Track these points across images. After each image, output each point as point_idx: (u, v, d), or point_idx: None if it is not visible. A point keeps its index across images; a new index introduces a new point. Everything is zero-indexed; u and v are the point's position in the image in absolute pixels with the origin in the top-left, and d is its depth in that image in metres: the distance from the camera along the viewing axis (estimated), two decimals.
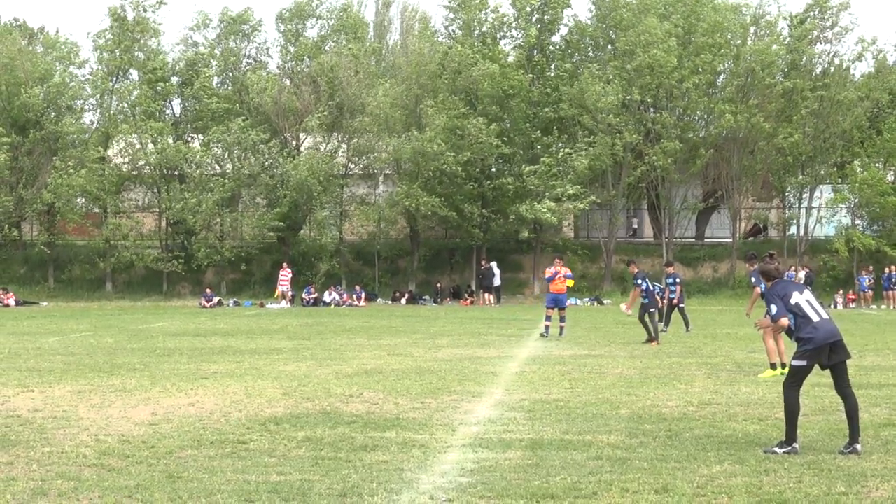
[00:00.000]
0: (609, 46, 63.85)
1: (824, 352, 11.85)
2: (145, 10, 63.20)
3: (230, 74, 66.29)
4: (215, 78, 65.94)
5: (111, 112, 64.27)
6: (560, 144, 61.33)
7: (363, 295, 58.40)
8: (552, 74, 63.79)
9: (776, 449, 11.59)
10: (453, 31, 64.94)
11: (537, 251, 61.71)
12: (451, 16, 64.75)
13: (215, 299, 57.05)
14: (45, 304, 58.27)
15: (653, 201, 63.59)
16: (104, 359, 23.42)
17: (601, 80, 59.54)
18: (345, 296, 58.19)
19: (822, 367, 11.98)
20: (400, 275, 63.74)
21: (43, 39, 71.38)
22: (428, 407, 15.38)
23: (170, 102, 65.98)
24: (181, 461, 11.15)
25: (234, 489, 9.73)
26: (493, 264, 59.42)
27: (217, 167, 63.07)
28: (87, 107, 66.23)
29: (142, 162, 62.91)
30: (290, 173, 59.16)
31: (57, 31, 76.30)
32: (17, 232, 65.08)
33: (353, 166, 64.17)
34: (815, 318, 11.97)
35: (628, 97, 60.00)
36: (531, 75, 62.24)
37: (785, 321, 11.94)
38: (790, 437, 11.70)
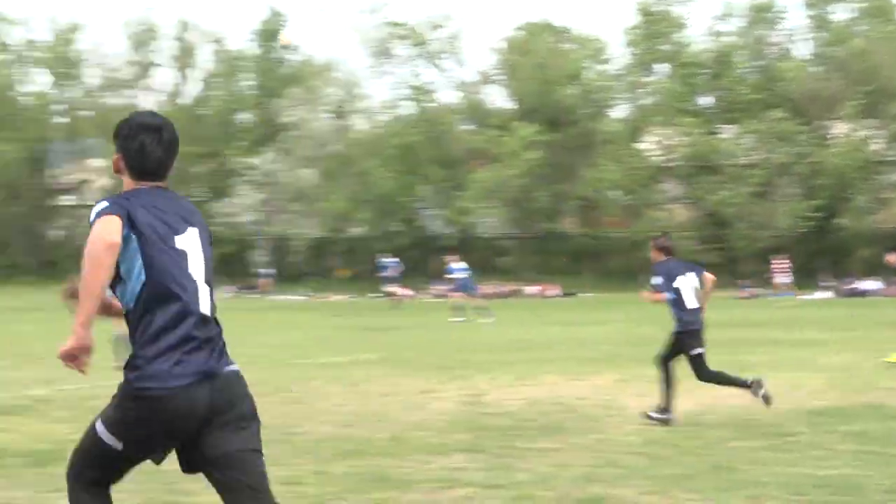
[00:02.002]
0: None
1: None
2: (670, 4, 64.66)
3: (755, 64, 66.19)
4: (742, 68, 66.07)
5: (642, 106, 65.82)
6: None
7: None
8: None
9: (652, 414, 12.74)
10: None
11: None
12: None
13: (747, 290, 56.54)
14: (588, 294, 59.78)
15: None
16: (643, 349, 23.81)
17: None
18: None
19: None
20: None
21: (571, 38, 74.01)
22: None
23: (697, 94, 66.59)
24: (727, 452, 11.16)
25: (781, 482, 9.60)
26: None
27: (748, 157, 62.78)
28: (617, 101, 68.20)
29: (674, 154, 63.81)
30: (826, 161, 57.94)
31: (582, 30, 79.25)
32: (556, 224, 67.69)
33: (892, 152, 61.91)
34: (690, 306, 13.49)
35: None
36: None
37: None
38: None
